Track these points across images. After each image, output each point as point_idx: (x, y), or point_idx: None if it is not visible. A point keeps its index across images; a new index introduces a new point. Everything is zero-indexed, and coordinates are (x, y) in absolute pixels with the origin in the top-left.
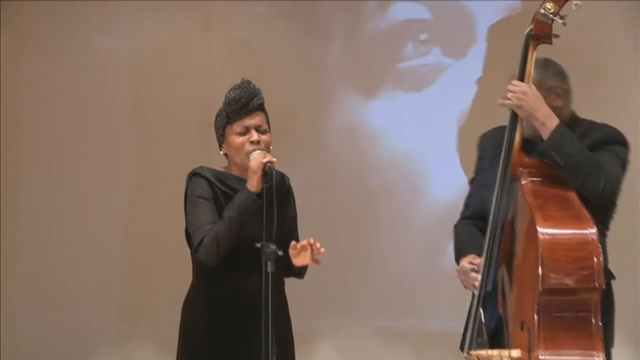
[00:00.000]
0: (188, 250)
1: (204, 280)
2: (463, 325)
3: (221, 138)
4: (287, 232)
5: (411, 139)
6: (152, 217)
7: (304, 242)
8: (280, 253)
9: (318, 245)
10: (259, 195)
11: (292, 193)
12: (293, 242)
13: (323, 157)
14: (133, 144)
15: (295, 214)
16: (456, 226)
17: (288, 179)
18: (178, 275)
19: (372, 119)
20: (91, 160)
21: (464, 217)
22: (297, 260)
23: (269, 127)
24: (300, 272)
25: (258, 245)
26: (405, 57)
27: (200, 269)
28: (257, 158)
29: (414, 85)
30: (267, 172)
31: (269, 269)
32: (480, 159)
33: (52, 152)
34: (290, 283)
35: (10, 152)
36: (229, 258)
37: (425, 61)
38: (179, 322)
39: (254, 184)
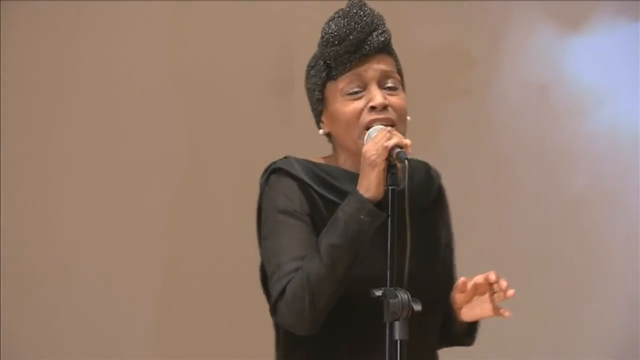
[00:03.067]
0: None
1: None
2: None
3: (318, 106)
4: (439, 269)
5: None
6: (202, 231)
7: (477, 278)
8: (418, 307)
9: (504, 284)
10: (380, 204)
11: (446, 200)
12: (461, 280)
13: (490, 140)
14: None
15: (452, 236)
16: None
17: (439, 176)
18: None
19: (577, 71)
20: (119, 158)
21: None
22: (468, 312)
23: (403, 82)
24: (470, 333)
25: (378, 292)
26: None
27: (286, 339)
28: (378, 139)
29: None
30: (394, 164)
31: (398, 335)
32: None
33: (68, 149)
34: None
35: (12, 150)
36: (335, 318)
37: None
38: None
39: (371, 185)
